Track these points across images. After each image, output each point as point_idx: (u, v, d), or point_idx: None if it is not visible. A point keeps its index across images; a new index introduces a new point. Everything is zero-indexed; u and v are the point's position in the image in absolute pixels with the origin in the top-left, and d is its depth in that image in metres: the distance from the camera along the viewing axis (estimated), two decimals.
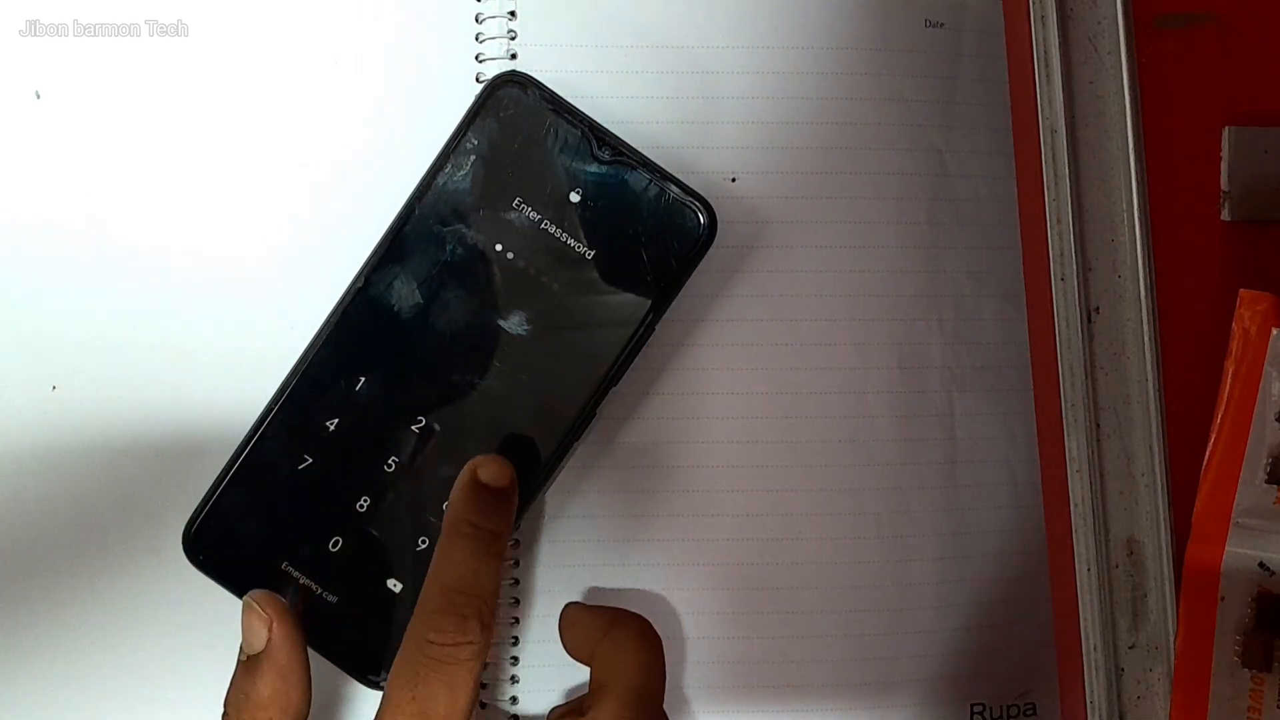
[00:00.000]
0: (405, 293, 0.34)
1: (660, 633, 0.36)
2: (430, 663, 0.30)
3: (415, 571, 0.33)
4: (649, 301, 0.34)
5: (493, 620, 0.31)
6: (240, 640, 0.32)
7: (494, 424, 0.34)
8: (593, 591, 0.37)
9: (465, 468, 0.32)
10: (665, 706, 0.36)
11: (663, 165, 0.34)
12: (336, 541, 0.33)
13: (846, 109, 0.38)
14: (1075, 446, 0.34)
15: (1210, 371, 0.33)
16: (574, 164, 0.34)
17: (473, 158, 0.34)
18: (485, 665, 0.31)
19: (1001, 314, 0.39)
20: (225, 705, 0.31)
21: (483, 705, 0.36)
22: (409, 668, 0.30)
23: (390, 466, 0.34)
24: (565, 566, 0.37)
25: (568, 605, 0.34)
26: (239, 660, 0.32)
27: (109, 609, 0.36)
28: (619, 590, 0.37)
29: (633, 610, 0.34)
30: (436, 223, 0.34)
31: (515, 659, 0.37)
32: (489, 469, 0.32)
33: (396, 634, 0.33)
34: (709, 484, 0.37)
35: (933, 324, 0.38)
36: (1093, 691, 0.33)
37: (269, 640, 0.31)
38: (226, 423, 0.36)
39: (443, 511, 0.33)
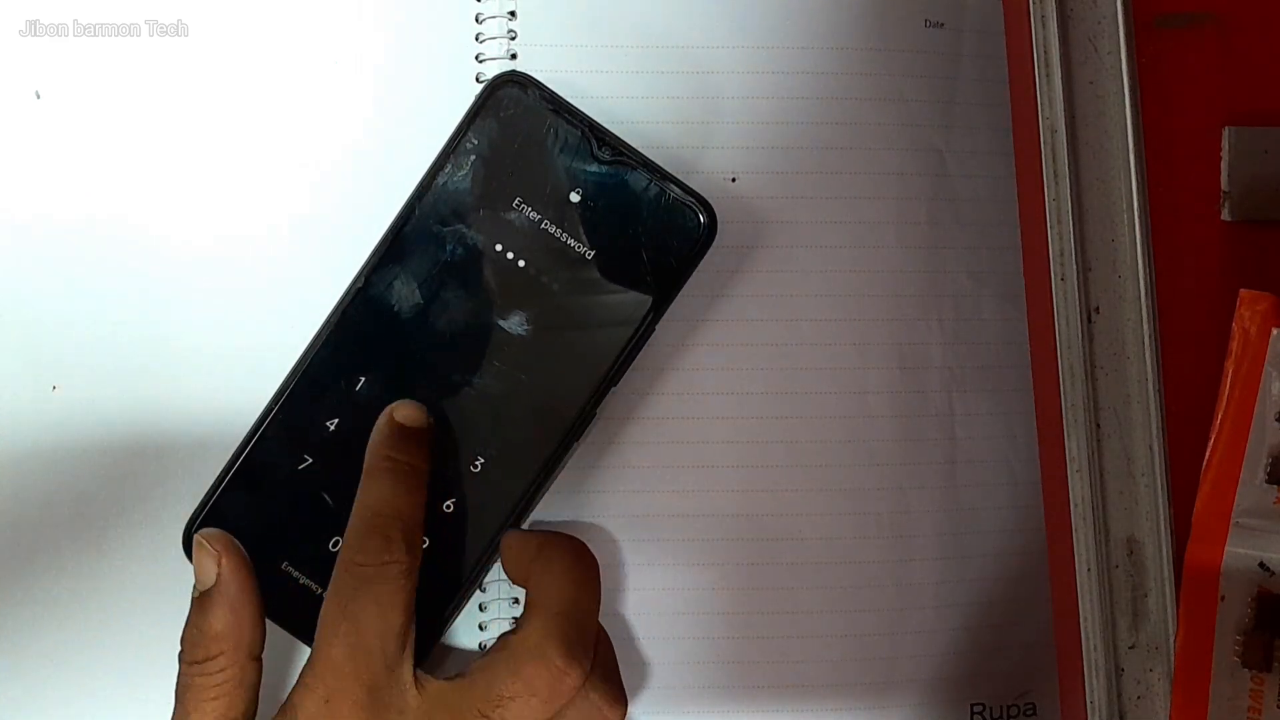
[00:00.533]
0: (405, 293, 0.34)
1: (661, 632, 0.36)
2: (359, 584, 0.31)
3: None
4: (649, 301, 0.34)
5: (418, 544, 0.32)
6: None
7: (494, 424, 0.34)
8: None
9: (383, 413, 0.33)
10: (664, 704, 0.36)
11: (663, 165, 0.34)
12: (336, 541, 0.33)
13: (846, 109, 0.38)
14: (1075, 446, 0.34)
15: (1210, 371, 0.33)
16: (574, 164, 0.34)
17: (473, 158, 0.34)
18: (416, 587, 0.32)
19: (1001, 314, 0.39)
20: (181, 643, 0.32)
21: None
22: (339, 593, 0.31)
23: None
24: None
25: (506, 532, 0.34)
26: (192, 599, 0.32)
27: (109, 608, 0.36)
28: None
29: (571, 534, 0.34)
30: (436, 223, 0.34)
31: None
32: (404, 410, 0.33)
33: None
34: (709, 484, 0.37)
35: (933, 324, 0.38)
36: (1093, 691, 0.33)
37: (219, 575, 0.32)
38: (226, 423, 0.36)
39: (444, 511, 0.33)
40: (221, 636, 0.31)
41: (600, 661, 0.32)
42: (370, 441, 0.33)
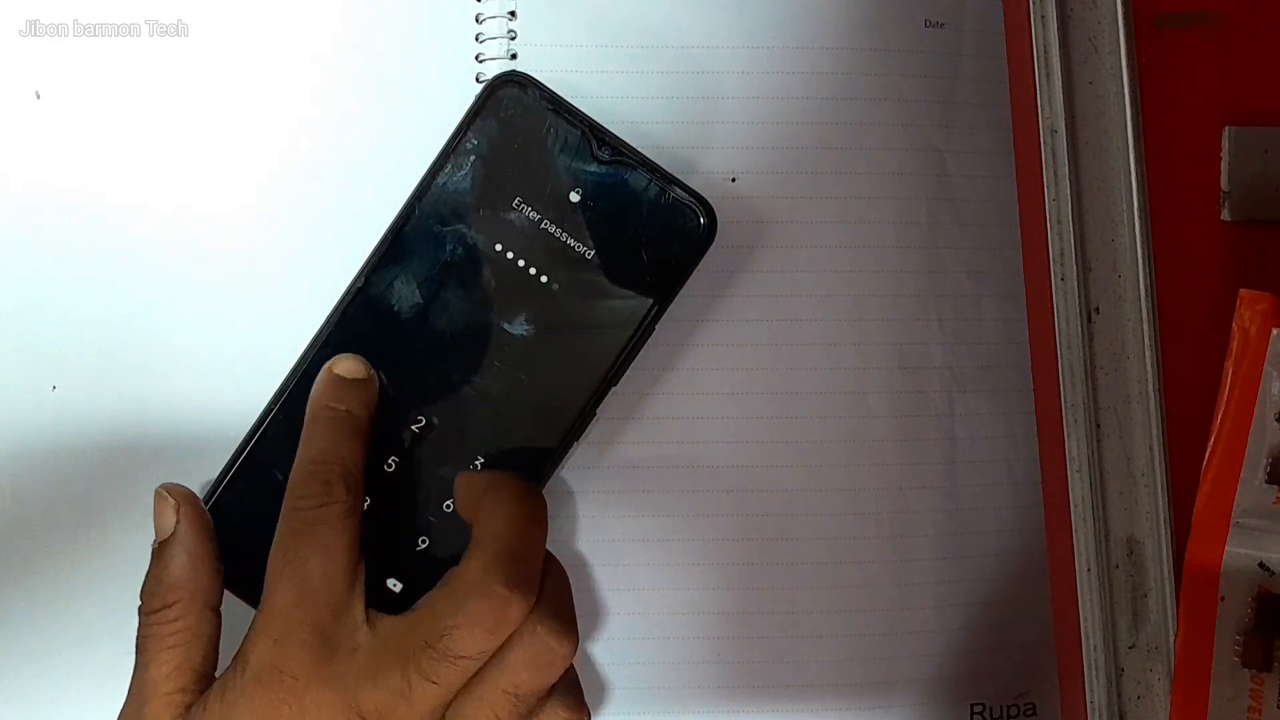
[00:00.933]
0: (405, 293, 0.34)
1: (660, 632, 0.36)
2: (301, 527, 0.31)
3: (415, 571, 0.33)
4: (649, 301, 0.34)
5: (359, 485, 0.32)
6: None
7: (494, 424, 0.34)
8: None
9: (323, 368, 0.34)
10: (664, 704, 0.36)
11: (663, 165, 0.34)
12: None
13: (847, 109, 0.38)
14: (1075, 446, 0.34)
15: (1210, 371, 0.33)
16: (574, 164, 0.34)
17: (473, 158, 0.34)
18: (359, 528, 0.32)
19: (1001, 314, 0.39)
20: (140, 596, 0.32)
21: None
22: (282, 538, 0.31)
23: (390, 466, 0.34)
24: (565, 567, 0.37)
25: (459, 473, 0.34)
26: (152, 551, 0.32)
27: (110, 608, 0.36)
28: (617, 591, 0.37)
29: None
30: (437, 223, 0.34)
31: None
32: (344, 364, 0.34)
33: None
34: (708, 484, 0.37)
35: (933, 324, 0.38)
36: (1093, 691, 0.33)
37: (176, 524, 0.32)
38: (226, 423, 0.36)
39: (443, 511, 0.33)
40: (178, 585, 0.31)
41: (549, 596, 0.31)
42: (310, 395, 0.33)
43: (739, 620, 0.37)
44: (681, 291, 0.34)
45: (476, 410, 0.34)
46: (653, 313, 0.34)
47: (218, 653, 0.32)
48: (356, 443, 0.33)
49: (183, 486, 0.33)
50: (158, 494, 0.33)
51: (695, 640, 0.37)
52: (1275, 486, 0.32)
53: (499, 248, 0.34)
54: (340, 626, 0.31)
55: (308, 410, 0.33)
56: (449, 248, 0.34)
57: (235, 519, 0.33)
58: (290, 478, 0.32)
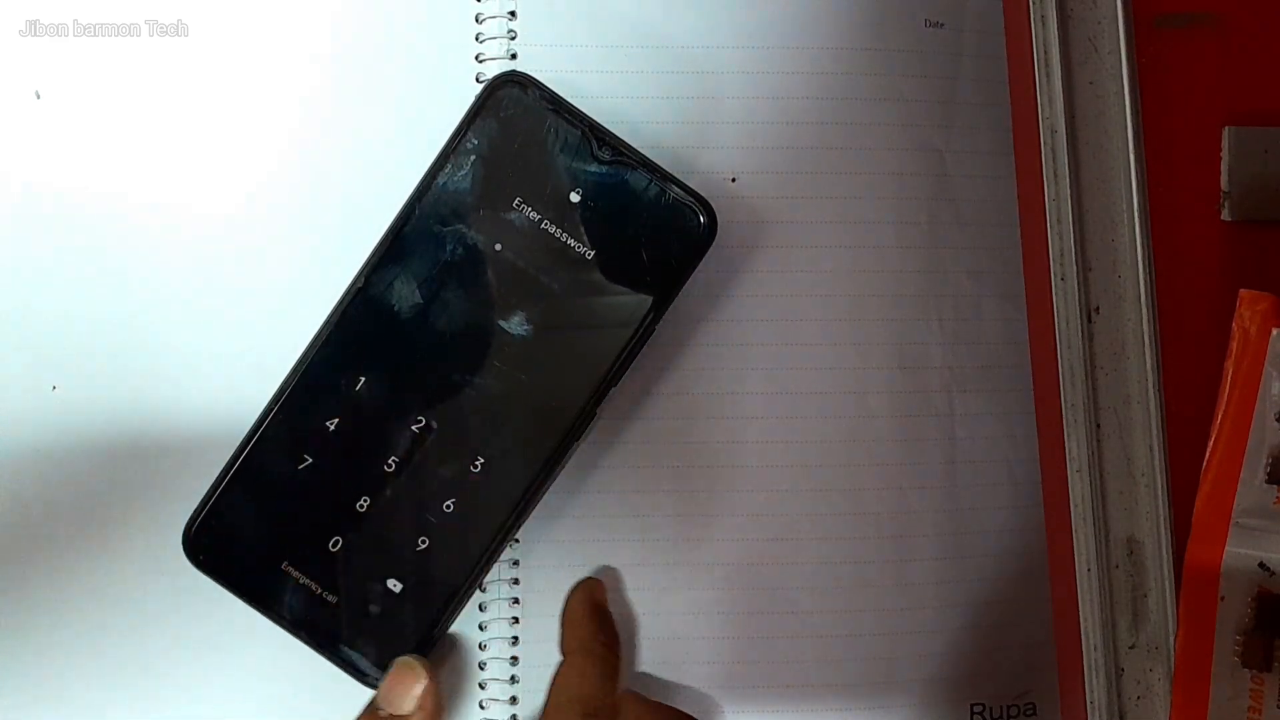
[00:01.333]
0: (405, 293, 0.34)
1: (661, 632, 0.36)
2: None
3: (415, 571, 0.33)
4: (649, 301, 0.34)
5: None
6: (378, 695, 0.33)
7: (494, 424, 0.34)
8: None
9: (579, 589, 0.35)
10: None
11: (663, 165, 0.34)
12: (336, 541, 0.33)
13: (846, 109, 0.38)
14: (1075, 446, 0.34)
15: (1210, 371, 0.33)
16: (574, 164, 0.34)
17: (473, 158, 0.34)
18: None
19: (1001, 314, 0.39)
20: None
21: (481, 706, 0.36)
22: None
23: (390, 466, 0.34)
24: (566, 567, 0.37)
25: (628, 694, 0.34)
26: (373, 712, 0.32)
27: (109, 609, 0.36)
28: (618, 610, 0.37)
29: (690, 714, 0.34)
30: (436, 223, 0.34)
31: (515, 659, 0.37)
32: (603, 592, 0.35)
33: (397, 634, 0.33)
34: (709, 484, 0.37)
35: (933, 324, 0.38)
36: (1093, 691, 0.33)
37: (418, 706, 0.32)
38: (226, 423, 0.36)
39: (443, 511, 0.33)
40: None
41: None
42: (573, 620, 0.34)
43: (739, 620, 0.37)
44: (681, 291, 0.34)
45: (476, 410, 0.34)
46: (653, 313, 0.34)
47: None
48: (616, 687, 0.34)
49: (429, 666, 0.33)
50: (406, 666, 0.32)
51: (695, 640, 0.37)
52: (1275, 486, 0.32)
53: (499, 248, 0.34)
54: None
55: (574, 635, 0.34)
56: (449, 248, 0.34)
57: (235, 520, 0.33)
58: (559, 709, 0.32)
